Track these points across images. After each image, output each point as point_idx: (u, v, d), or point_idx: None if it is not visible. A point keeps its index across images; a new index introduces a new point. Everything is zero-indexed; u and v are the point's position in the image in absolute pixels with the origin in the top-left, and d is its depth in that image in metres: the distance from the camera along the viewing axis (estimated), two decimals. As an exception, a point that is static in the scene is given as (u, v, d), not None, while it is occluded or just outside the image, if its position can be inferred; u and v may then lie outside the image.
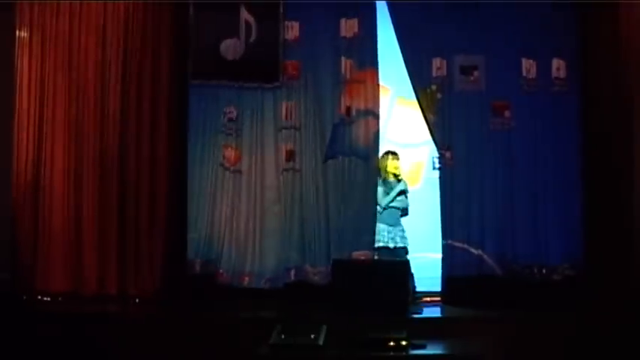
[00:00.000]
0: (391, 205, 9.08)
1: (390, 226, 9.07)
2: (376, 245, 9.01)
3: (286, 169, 9.51)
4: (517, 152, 9.38)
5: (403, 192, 9.12)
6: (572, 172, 9.29)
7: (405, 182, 9.30)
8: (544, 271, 9.15)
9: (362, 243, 9.31)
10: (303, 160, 9.50)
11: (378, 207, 9.13)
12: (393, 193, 9.04)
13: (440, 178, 9.43)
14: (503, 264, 9.26)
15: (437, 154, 9.46)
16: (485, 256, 9.24)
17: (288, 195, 9.49)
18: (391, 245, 8.99)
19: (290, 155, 9.51)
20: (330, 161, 9.42)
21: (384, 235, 9.03)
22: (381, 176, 9.26)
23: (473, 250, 9.29)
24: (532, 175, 9.35)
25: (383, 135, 9.56)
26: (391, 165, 9.19)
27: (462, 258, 9.32)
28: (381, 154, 9.45)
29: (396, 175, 9.18)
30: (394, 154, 9.26)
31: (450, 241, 9.32)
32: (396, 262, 8.63)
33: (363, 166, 9.40)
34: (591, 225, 9.14)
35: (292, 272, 9.35)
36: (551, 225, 9.28)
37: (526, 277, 9.15)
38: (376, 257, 9.02)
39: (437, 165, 9.46)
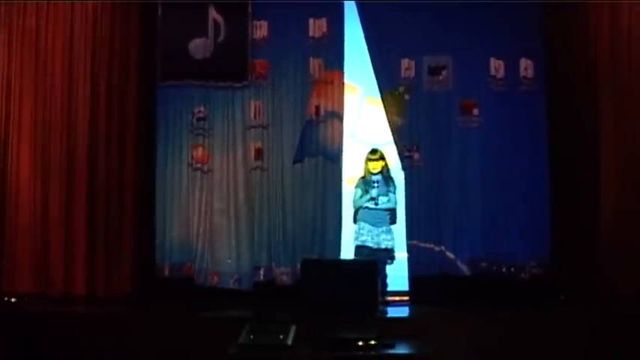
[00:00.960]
0: (371, 206, 8.83)
1: (372, 225, 8.86)
2: (356, 244, 8.88)
3: (254, 168, 9.49)
4: (485, 151, 9.38)
5: (372, 199, 8.85)
6: (540, 171, 9.27)
7: (388, 183, 8.98)
8: (512, 269, 9.17)
9: (329, 243, 9.34)
10: (270, 158, 9.50)
11: (365, 207, 8.97)
12: (367, 196, 8.84)
13: (405, 179, 9.41)
14: (470, 263, 9.29)
15: (405, 153, 9.43)
16: (452, 256, 9.28)
17: (256, 194, 9.48)
18: (372, 245, 8.80)
19: (258, 154, 9.49)
20: (298, 164, 9.49)
21: (362, 234, 8.86)
22: (363, 175, 9.09)
23: (440, 250, 9.32)
24: (500, 173, 9.35)
25: (354, 134, 9.60)
26: (371, 164, 8.95)
27: (429, 257, 9.33)
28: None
29: (386, 177, 8.97)
30: (374, 152, 9.03)
31: (415, 241, 9.33)
32: (365, 262, 8.54)
33: (330, 166, 9.40)
34: (559, 223, 9.15)
35: (261, 272, 9.37)
36: (518, 224, 9.28)
37: (494, 276, 9.17)
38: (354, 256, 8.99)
39: (404, 165, 9.44)
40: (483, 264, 9.24)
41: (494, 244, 9.28)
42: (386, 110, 9.39)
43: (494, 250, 9.27)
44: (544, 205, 9.22)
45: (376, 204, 8.76)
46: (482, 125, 9.39)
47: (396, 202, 8.98)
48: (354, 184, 9.01)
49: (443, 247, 9.29)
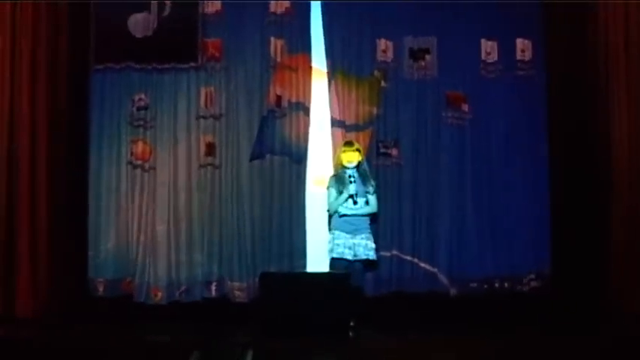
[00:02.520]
0: (349, 206, 8.08)
1: (349, 234, 8.09)
2: (331, 256, 8.14)
3: (204, 165, 8.99)
4: (475, 150, 8.95)
5: (351, 196, 8.05)
6: (539, 171, 8.92)
7: (366, 182, 8.23)
8: (506, 284, 8.81)
9: (293, 253, 8.86)
10: (224, 154, 8.99)
11: (342, 214, 8.17)
12: (344, 195, 8.07)
13: (378, 179, 8.73)
14: (457, 278, 8.83)
15: (381, 149, 8.94)
16: (436, 270, 8.83)
17: (207, 196, 8.99)
18: (349, 257, 8.05)
19: (210, 149, 8.99)
20: (257, 160, 8.95)
21: (338, 245, 8.08)
22: (335, 173, 8.36)
23: (421, 264, 8.84)
24: (492, 175, 8.96)
25: (322, 126, 9.04)
26: (346, 156, 8.18)
27: (409, 272, 8.86)
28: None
29: (363, 175, 8.21)
30: (350, 144, 8.30)
31: (395, 252, 8.82)
32: (335, 276, 7.93)
33: (293, 165, 8.94)
34: (561, 230, 8.82)
35: (213, 287, 8.88)
36: (515, 230, 8.89)
37: (485, 290, 8.80)
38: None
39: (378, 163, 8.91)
40: (473, 279, 8.83)
41: (487, 255, 8.87)
42: (358, 98, 8.93)
43: (487, 261, 8.86)
44: (544, 211, 8.88)
45: (355, 202, 8.01)
46: (472, 119, 8.97)
47: (376, 205, 8.26)
48: (326, 185, 8.27)
49: (426, 260, 8.83)
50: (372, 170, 8.54)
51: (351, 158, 8.11)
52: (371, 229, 8.14)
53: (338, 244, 8.04)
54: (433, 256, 8.84)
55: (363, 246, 8.05)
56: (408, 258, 8.83)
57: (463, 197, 8.89)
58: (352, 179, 8.03)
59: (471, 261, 8.83)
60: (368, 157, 8.64)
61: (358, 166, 8.14)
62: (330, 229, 8.26)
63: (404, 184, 8.89)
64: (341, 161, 8.16)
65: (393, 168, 8.87)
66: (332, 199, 8.11)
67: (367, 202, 8.10)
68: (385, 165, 8.87)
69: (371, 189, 8.14)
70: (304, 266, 8.81)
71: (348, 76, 8.94)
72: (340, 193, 8.04)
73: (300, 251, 8.85)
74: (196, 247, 8.92)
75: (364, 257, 8.04)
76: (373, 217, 8.27)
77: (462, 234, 8.86)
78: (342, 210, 8.02)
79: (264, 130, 8.90)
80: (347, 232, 8.03)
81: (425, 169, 8.91)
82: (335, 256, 8.05)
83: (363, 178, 8.14)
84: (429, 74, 8.94)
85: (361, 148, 8.28)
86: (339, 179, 8.15)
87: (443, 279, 8.79)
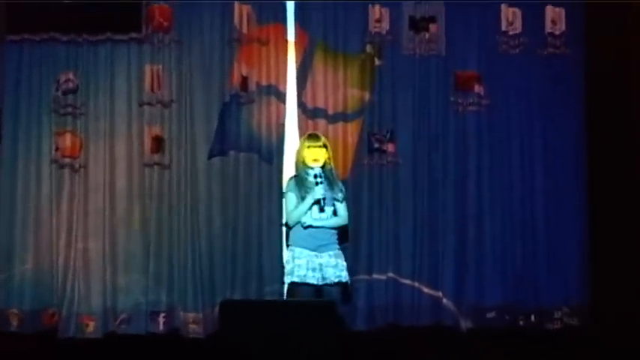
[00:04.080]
0: (315, 216, 7.17)
1: (314, 251, 7.14)
2: (290, 280, 7.27)
3: (149, 164, 8.21)
4: (492, 146, 8.19)
5: (318, 201, 7.12)
6: (575, 176, 8.20)
7: (333, 186, 7.35)
8: (533, 318, 8.01)
9: (263, 277, 8.09)
10: (175, 151, 8.24)
11: (299, 224, 7.31)
12: (307, 201, 7.12)
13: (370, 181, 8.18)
14: (470, 308, 8.06)
15: (374, 145, 8.12)
16: (443, 296, 8.04)
17: (153, 203, 8.25)
18: (313, 281, 7.10)
19: (157, 144, 8.23)
20: (217, 158, 8.21)
21: (300, 266, 7.15)
22: (296, 174, 7.46)
23: (424, 289, 8.04)
24: (514, 179, 8.19)
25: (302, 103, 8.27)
26: (311, 153, 7.26)
27: (408, 299, 8.07)
28: (297, 137, 8.10)
29: (330, 177, 7.29)
30: (315, 138, 7.40)
31: (391, 275, 7.99)
32: (316, 304, 6.83)
33: (264, 166, 8.20)
34: (600, 254, 8.07)
35: (161, 318, 8.09)
36: (542, 254, 8.13)
37: (506, 323, 8.05)
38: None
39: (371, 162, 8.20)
40: (491, 308, 8.01)
41: (508, 283, 8.12)
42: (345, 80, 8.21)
43: (508, 291, 8.10)
44: (578, 228, 8.18)
45: (322, 210, 7.11)
46: (488, 107, 8.17)
47: (346, 216, 7.37)
48: (287, 188, 7.44)
49: (431, 286, 8.04)
50: (364, 170, 7.88)
51: (317, 156, 7.24)
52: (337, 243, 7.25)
53: (299, 265, 7.13)
54: (439, 280, 8.11)
55: (332, 266, 7.13)
56: (408, 282, 8.07)
57: (476, 205, 8.14)
58: (319, 180, 7.07)
59: (488, 286, 8.08)
60: (358, 155, 7.99)
61: (324, 166, 7.24)
62: (287, 245, 7.46)
63: (402, 188, 8.12)
64: (303, 159, 7.24)
65: (389, 168, 8.09)
66: (291, 206, 7.22)
67: (335, 213, 7.15)
68: (379, 164, 8.11)
69: (340, 195, 7.22)
70: (279, 292, 8.03)
71: (332, 51, 8.17)
72: (302, 199, 7.11)
73: (272, 273, 8.10)
74: (139, 267, 8.18)
75: (335, 280, 7.10)
76: (342, 233, 7.41)
77: (475, 253, 8.08)
78: (307, 220, 7.07)
79: (227, 121, 8.18)
80: (311, 249, 7.12)
81: (428, 169, 8.14)
82: (296, 279, 7.13)
83: (330, 182, 7.24)
84: (434, 49, 8.18)
85: (328, 144, 7.36)
86: (300, 181, 7.23)
87: (452, 308, 8.04)
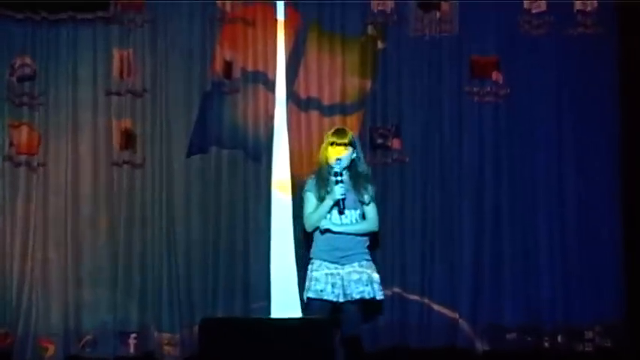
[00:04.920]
0: (335, 222, 6.62)
1: (333, 262, 6.56)
2: (306, 296, 6.76)
3: (119, 163, 7.63)
4: (512, 142, 7.59)
5: (337, 203, 6.53)
6: (608, 177, 7.61)
7: (360, 188, 6.75)
8: (560, 338, 7.41)
9: (248, 292, 7.56)
10: (148, 148, 7.67)
11: (319, 228, 6.72)
12: (325, 205, 6.55)
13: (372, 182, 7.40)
14: (487, 327, 7.46)
15: (377, 140, 7.57)
16: (456, 314, 7.44)
17: (122, 208, 7.66)
18: (330, 297, 6.55)
19: (128, 139, 7.67)
20: (196, 156, 7.65)
21: (318, 280, 6.61)
22: (318, 171, 6.89)
23: (435, 306, 7.43)
24: (537, 180, 7.59)
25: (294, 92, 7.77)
26: (334, 151, 6.70)
27: (416, 317, 7.47)
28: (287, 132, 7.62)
29: (356, 177, 6.77)
30: (341, 133, 6.82)
31: (396, 289, 7.40)
32: (311, 323, 6.24)
33: (250, 164, 7.65)
34: (638, 264, 7.50)
35: (132, 340, 7.56)
36: (570, 262, 7.49)
37: (529, 345, 7.44)
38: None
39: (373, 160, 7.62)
40: (511, 328, 7.43)
41: (530, 295, 7.50)
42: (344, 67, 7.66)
43: (531, 307, 7.48)
44: (614, 235, 7.60)
45: (341, 212, 6.53)
46: (509, 98, 7.55)
47: (375, 220, 6.73)
48: (306, 187, 6.84)
49: (435, 300, 7.47)
50: (368, 169, 7.17)
51: (342, 154, 6.65)
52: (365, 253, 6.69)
53: (317, 279, 6.57)
54: (451, 296, 7.51)
55: (355, 280, 6.54)
56: (416, 298, 7.47)
57: (494, 210, 7.55)
58: (339, 178, 6.50)
59: (508, 302, 7.49)
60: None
61: (350, 166, 6.66)
62: (309, 259, 6.88)
63: (409, 190, 7.54)
64: (326, 158, 6.67)
65: (394, 167, 7.52)
66: (310, 208, 6.65)
67: (361, 215, 6.62)
68: (382, 163, 7.52)
69: (366, 197, 6.59)
70: (266, 309, 7.58)
71: (328, 33, 7.61)
72: (322, 199, 6.54)
73: (260, 288, 7.57)
74: (106, 281, 7.62)
75: (357, 297, 6.52)
76: (371, 238, 6.85)
77: (493, 263, 7.50)
78: (324, 224, 6.52)
79: (208, 113, 7.63)
80: (330, 260, 6.55)
81: (439, 169, 7.56)
82: (311, 295, 6.61)
83: (356, 182, 6.64)
84: (445, 31, 7.59)
85: (355, 140, 6.87)
86: (321, 180, 6.63)
87: (466, 328, 7.44)
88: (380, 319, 7.47)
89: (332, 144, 6.75)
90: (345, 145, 6.71)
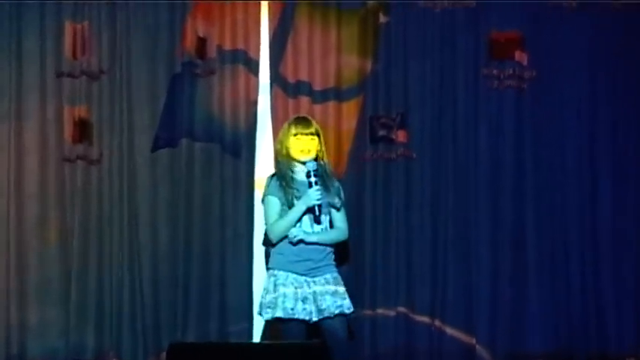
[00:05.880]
0: (305, 235, 5.96)
1: (304, 275, 5.90)
2: (269, 316, 6.03)
3: (71, 159, 6.87)
4: (538, 135, 6.90)
5: (312, 209, 5.82)
6: None
7: (328, 187, 6.06)
8: None
9: (226, 312, 6.89)
10: (106, 140, 6.93)
11: (288, 237, 6.05)
12: (296, 210, 5.85)
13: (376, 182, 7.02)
14: (509, 358, 6.85)
15: (379, 132, 6.94)
16: (473, 340, 6.78)
17: (76, 211, 6.91)
18: (305, 316, 5.88)
19: (82, 130, 6.93)
20: (164, 150, 6.94)
21: (287, 297, 5.95)
22: (279, 169, 6.18)
23: (447, 329, 6.80)
24: (567, 183, 6.92)
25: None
26: (300, 143, 6.01)
27: (425, 342, 6.81)
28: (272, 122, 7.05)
29: (323, 175, 6.10)
30: (303, 123, 6.11)
31: (401, 309, 6.74)
32: (299, 347, 5.59)
33: (228, 160, 6.99)
34: None
35: None
36: (603, 281, 6.91)
37: None
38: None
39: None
40: (535, 356, 6.82)
41: (559, 323, 6.88)
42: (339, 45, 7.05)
43: (559, 333, 6.87)
44: None
45: (317, 220, 5.90)
46: (534, 82, 6.90)
47: (346, 228, 6.13)
48: (266, 189, 6.17)
49: (447, 323, 6.83)
50: (365, 167, 6.72)
51: (309, 146, 6.03)
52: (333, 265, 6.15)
53: (286, 295, 5.92)
54: (466, 317, 6.83)
55: (331, 293, 5.94)
56: (425, 319, 6.80)
57: (516, 215, 6.89)
58: (314, 180, 5.88)
59: (532, 327, 6.84)
60: (356, 146, 6.78)
61: (317, 159, 6.06)
62: (268, 268, 6.23)
63: (416, 191, 6.84)
64: (288, 151, 6.06)
65: (399, 164, 6.81)
66: (274, 215, 6.01)
67: (331, 222, 6.06)
68: (385, 159, 6.84)
69: (337, 200, 5.97)
70: (248, 332, 6.86)
71: (321, 6, 6.98)
72: (289, 205, 5.90)
73: (239, 306, 6.88)
74: (57, 299, 6.87)
75: (336, 312, 5.93)
76: (340, 248, 6.32)
77: (516, 281, 6.88)
78: (296, 233, 5.87)
79: (177, 99, 6.90)
80: (300, 273, 5.94)
81: (453, 166, 6.87)
82: (280, 315, 5.92)
83: (324, 182, 6.02)
84: (460, 2, 6.95)
85: (320, 131, 6.18)
86: (284, 181, 6.00)
87: (484, 355, 6.80)
88: (380, 344, 6.80)
89: (295, 135, 6.09)
90: (311, 135, 6.04)
